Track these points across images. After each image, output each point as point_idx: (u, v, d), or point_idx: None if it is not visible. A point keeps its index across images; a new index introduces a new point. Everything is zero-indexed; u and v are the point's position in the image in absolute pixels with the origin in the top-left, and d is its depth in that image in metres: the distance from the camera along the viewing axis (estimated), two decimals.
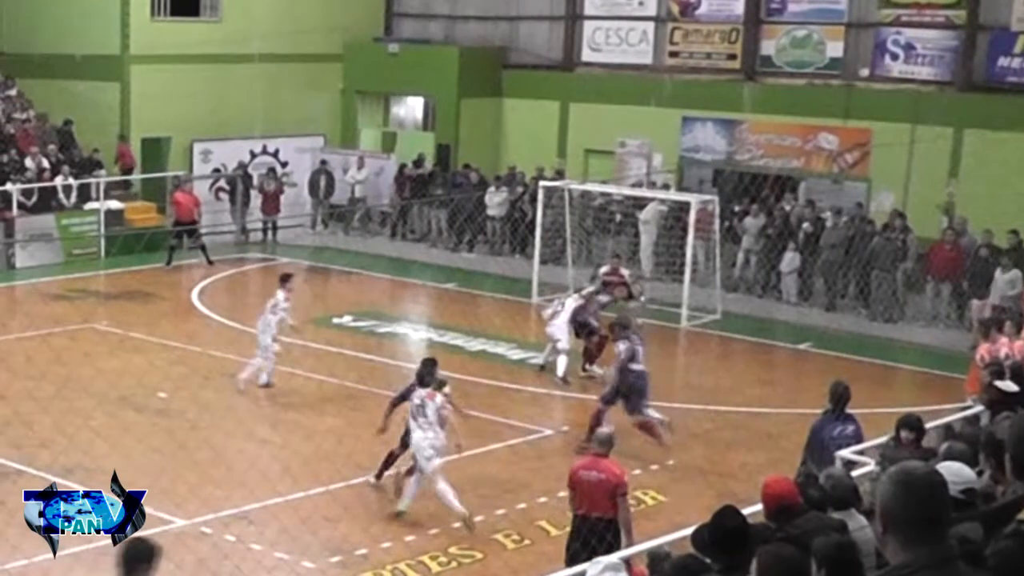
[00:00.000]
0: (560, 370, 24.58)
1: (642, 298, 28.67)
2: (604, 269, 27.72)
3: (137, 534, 10.49)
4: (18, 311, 30.16)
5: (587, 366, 25.04)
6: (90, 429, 19.44)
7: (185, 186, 36.13)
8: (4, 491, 16.33)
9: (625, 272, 28.04)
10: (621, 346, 21.08)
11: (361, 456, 20.08)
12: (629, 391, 20.92)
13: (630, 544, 14.15)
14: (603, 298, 26.19)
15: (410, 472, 18.17)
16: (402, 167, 39.11)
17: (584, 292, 25.55)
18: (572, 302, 24.78)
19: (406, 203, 38.20)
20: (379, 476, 19.08)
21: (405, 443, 18.60)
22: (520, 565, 16.54)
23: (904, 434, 13.11)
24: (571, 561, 14.59)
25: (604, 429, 15.52)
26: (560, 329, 24.68)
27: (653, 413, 21.21)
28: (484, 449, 20.72)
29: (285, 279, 24.23)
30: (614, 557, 10.60)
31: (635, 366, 21.08)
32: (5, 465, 18.78)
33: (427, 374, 18.50)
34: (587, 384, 24.32)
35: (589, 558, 13.53)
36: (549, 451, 20.93)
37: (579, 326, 24.98)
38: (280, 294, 23.70)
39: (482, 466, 20.10)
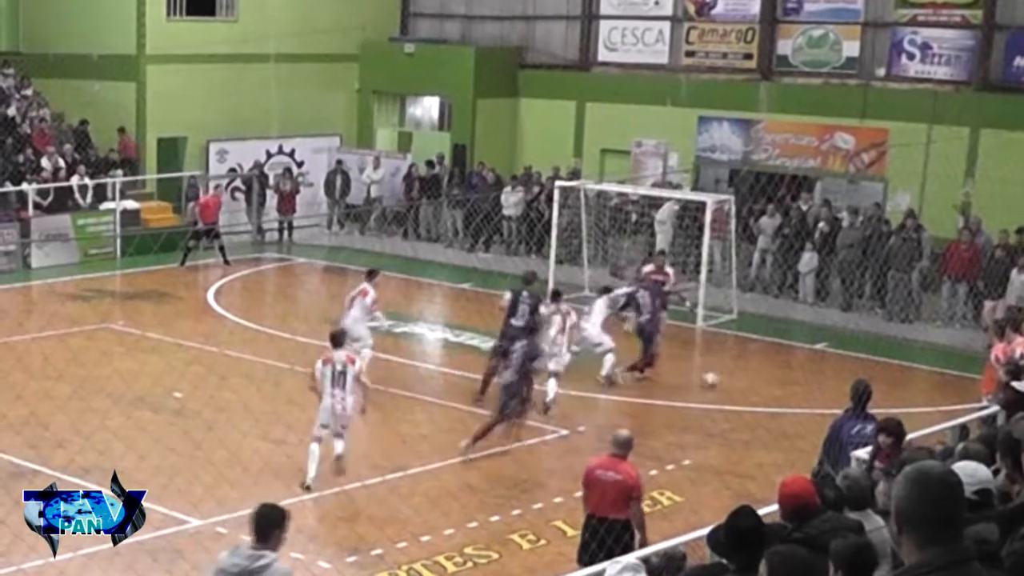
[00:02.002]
0: (606, 368, 24.55)
1: (686, 302, 28.36)
2: (648, 268, 27.26)
3: (267, 501, 10.67)
4: (34, 311, 30.22)
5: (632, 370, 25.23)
6: (107, 429, 19.46)
7: (216, 189, 36.28)
8: (21, 491, 16.34)
9: (670, 270, 27.66)
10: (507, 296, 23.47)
11: (376, 456, 20.14)
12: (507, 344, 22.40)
13: (644, 543, 14.15)
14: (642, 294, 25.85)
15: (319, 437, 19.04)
16: (411, 167, 39.16)
17: (614, 295, 25.43)
18: (603, 302, 24.81)
19: (412, 204, 38.26)
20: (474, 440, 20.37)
21: (505, 410, 20.33)
22: (536, 565, 16.53)
23: (883, 439, 13.04)
24: (583, 563, 14.59)
25: (623, 431, 15.51)
26: (596, 332, 24.69)
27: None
28: (500, 449, 20.71)
29: (372, 274, 24.79)
30: (632, 557, 10.58)
31: (514, 320, 22.91)
32: (21, 465, 18.81)
33: (341, 339, 19.62)
34: (606, 385, 24.26)
35: (592, 559, 13.53)
36: (566, 451, 20.90)
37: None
38: (367, 287, 24.43)
39: (499, 466, 20.11)
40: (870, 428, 15.28)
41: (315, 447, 18.83)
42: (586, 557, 14.31)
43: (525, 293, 23.58)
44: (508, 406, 20.36)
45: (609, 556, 12.31)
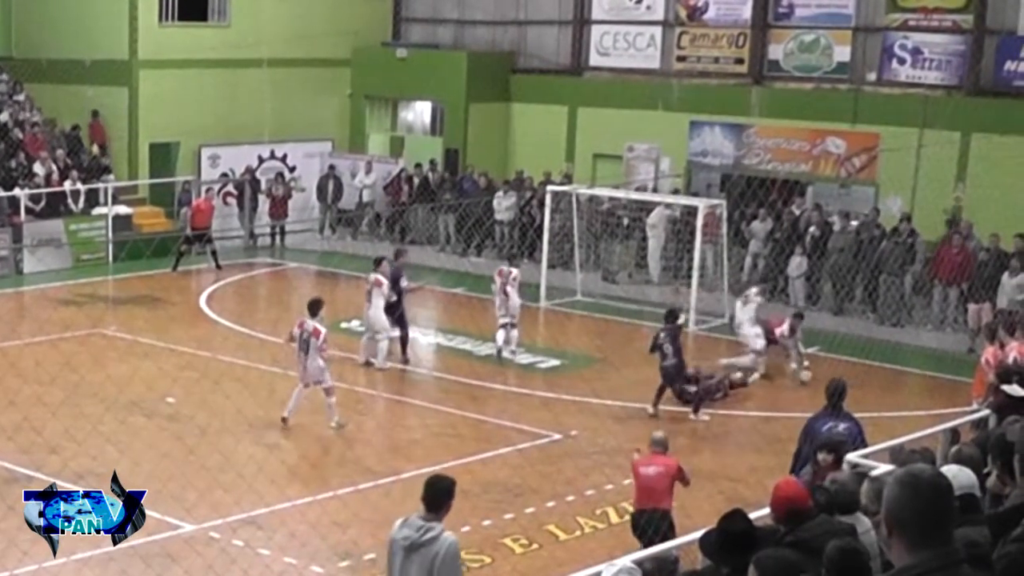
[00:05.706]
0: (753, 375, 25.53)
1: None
2: (784, 326, 26.29)
3: (438, 474, 11.34)
4: (27, 316, 30.22)
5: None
6: (99, 434, 19.43)
7: (208, 194, 36.33)
8: (14, 497, 16.34)
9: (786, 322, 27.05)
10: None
11: (370, 460, 20.17)
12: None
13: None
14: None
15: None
16: (400, 172, 39.19)
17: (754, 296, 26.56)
18: (748, 310, 26.11)
19: (403, 208, 38.33)
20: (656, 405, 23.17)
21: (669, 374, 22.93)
22: (529, 570, 16.55)
23: (822, 456, 13.13)
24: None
25: (658, 432, 17.02)
26: (752, 332, 25.73)
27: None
28: (493, 453, 20.76)
29: (379, 262, 26.07)
30: (627, 560, 10.60)
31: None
32: (14, 471, 18.81)
33: (315, 308, 21.79)
34: (599, 390, 24.22)
35: (648, 545, 13.91)
36: (558, 456, 20.93)
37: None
38: (380, 277, 25.58)
39: (491, 470, 20.12)
40: (842, 427, 15.68)
41: (300, 388, 21.73)
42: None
43: (389, 268, 25.89)
44: (700, 384, 23.23)
45: (649, 545, 13.21)
